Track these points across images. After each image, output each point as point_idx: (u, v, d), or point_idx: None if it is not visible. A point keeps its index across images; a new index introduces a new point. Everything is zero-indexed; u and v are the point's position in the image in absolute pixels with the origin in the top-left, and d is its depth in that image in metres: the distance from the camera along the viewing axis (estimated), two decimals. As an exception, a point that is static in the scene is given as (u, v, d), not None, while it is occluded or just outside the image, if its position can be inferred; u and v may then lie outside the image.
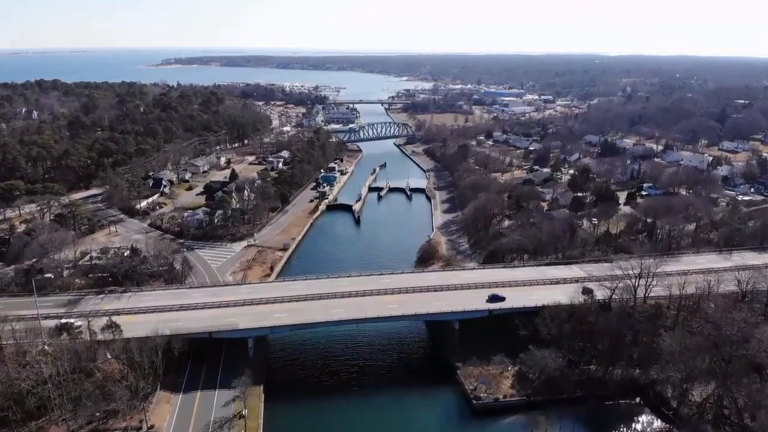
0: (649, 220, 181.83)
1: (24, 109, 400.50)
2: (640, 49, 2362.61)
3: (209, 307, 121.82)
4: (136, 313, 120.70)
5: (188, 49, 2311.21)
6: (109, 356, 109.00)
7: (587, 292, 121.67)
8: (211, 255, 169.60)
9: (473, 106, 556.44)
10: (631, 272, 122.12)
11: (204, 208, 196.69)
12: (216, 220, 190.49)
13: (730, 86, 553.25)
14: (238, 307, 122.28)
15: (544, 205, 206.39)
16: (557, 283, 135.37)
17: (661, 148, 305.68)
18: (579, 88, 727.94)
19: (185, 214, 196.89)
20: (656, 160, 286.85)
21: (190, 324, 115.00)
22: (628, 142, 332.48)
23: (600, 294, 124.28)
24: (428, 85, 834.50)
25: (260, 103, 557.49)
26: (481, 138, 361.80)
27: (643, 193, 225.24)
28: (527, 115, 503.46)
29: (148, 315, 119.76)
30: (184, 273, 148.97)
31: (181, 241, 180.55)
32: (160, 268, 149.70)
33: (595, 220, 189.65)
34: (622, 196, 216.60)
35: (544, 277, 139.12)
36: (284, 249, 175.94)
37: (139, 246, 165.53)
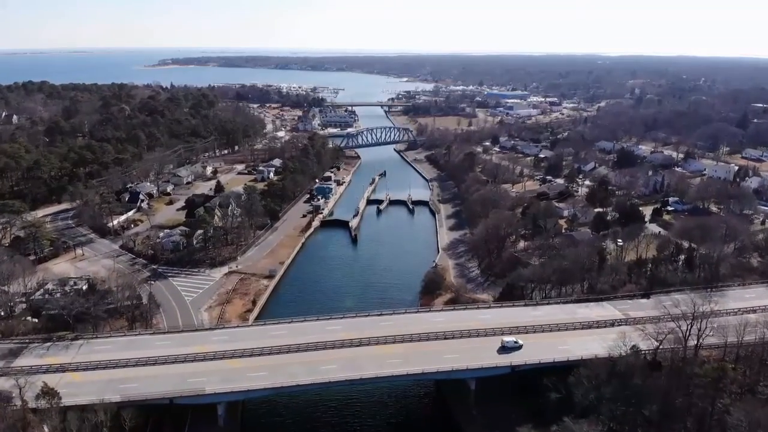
0: (684, 244, 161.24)
1: (4, 113, 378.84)
2: (640, 50, 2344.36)
3: (173, 362, 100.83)
4: (84, 369, 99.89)
5: (187, 50, 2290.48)
6: (46, 430, 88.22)
7: (634, 349, 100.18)
8: (186, 284, 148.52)
9: (476, 109, 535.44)
10: (679, 314, 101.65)
11: (182, 228, 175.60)
12: (195, 242, 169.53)
13: (744, 89, 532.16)
14: (207, 362, 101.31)
15: (563, 223, 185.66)
16: (590, 327, 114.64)
17: (681, 156, 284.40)
18: (584, 89, 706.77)
19: (161, 234, 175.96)
20: (677, 169, 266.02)
21: (147, 386, 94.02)
22: (645, 148, 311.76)
23: (643, 344, 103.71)
24: (429, 87, 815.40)
25: (255, 106, 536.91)
26: (487, 144, 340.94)
27: (669, 208, 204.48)
28: (533, 118, 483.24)
29: (100, 372, 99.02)
30: (151, 312, 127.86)
31: (154, 266, 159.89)
32: (126, 303, 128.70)
33: (620, 242, 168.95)
34: (646, 211, 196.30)
35: (573, 318, 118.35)
36: (270, 276, 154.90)
37: (104, 275, 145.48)
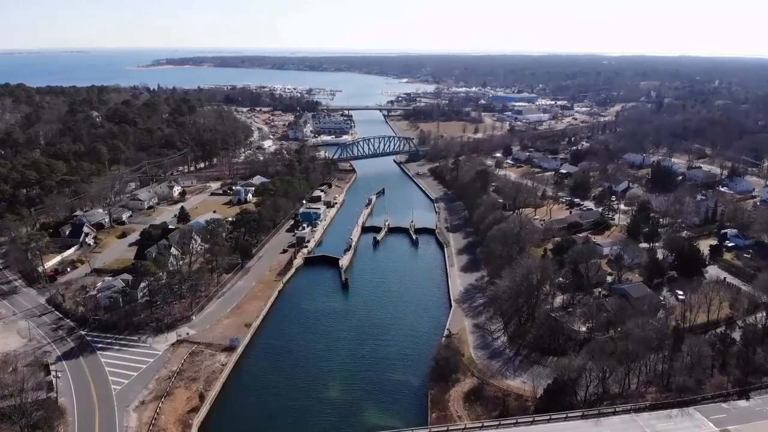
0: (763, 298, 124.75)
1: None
2: (641, 49, 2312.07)
3: None
4: None
5: (186, 49, 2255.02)
6: None
7: None
8: (118, 362, 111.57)
9: (482, 113, 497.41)
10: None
11: (124, 276, 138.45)
12: (139, 295, 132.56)
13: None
14: None
15: (606, 267, 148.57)
16: (682, 460, 77.89)
17: (724, 172, 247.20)
18: (595, 92, 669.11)
19: (98, 284, 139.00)
20: (722, 189, 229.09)
21: None
22: (678, 162, 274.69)
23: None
24: (430, 88, 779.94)
25: (244, 110, 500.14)
26: (498, 155, 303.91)
27: (729, 244, 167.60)
28: (544, 124, 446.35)
29: None
30: (54, 419, 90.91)
31: (83, 332, 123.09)
32: (25, 401, 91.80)
33: (681, 295, 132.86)
34: (700, 246, 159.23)
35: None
36: (230, 348, 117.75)
37: (15, 346, 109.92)
